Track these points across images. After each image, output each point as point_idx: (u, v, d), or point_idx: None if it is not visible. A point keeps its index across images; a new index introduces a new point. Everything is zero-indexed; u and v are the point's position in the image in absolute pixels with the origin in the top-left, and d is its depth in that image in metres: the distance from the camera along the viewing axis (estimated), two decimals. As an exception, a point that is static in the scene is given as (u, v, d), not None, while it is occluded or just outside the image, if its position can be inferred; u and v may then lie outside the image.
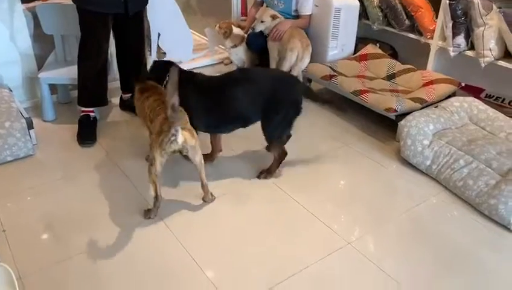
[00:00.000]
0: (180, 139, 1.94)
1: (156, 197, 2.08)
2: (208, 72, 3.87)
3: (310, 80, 3.45)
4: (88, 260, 1.90)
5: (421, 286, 1.85)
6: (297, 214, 2.23)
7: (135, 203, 2.23)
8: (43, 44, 3.17)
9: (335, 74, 3.23)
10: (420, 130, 2.55)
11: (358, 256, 1.98)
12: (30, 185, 2.35)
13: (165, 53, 3.82)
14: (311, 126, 3.04)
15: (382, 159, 2.71)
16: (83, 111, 2.79)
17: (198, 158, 2.10)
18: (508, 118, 2.68)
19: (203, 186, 2.21)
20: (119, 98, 3.14)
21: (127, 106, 3.07)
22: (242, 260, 1.94)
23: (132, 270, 1.86)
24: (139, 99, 2.27)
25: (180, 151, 2.02)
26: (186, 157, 2.12)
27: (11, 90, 2.83)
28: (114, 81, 3.16)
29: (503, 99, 3.17)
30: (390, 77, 3.28)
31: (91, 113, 2.80)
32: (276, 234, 2.10)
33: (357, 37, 3.65)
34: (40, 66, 3.05)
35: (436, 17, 3.22)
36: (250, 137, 2.68)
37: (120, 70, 3.00)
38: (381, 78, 3.30)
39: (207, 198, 2.24)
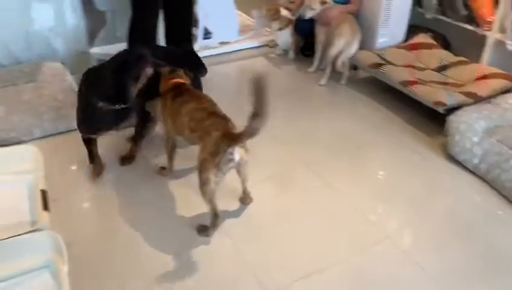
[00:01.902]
0: (237, 157, 1.84)
1: (216, 216, 1.94)
2: (251, 54, 3.92)
3: (356, 67, 3.38)
4: (134, 237, 1.97)
5: (459, 285, 1.81)
6: (337, 205, 2.22)
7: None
8: (94, 19, 3.25)
9: (383, 62, 3.15)
10: (470, 126, 2.46)
11: (396, 251, 1.96)
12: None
13: (210, 33, 3.85)
14: (354, 115, 2.99)
15: (427, 153, 2.63)
16: (131, 88, 2.85)
17: (247, 170, 2.02)
18: None
19: (246, 191, 2.14)
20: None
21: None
22: (279, 246, 1.96)
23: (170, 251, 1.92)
24: (172, 101, 2.09)
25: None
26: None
27: (63, 64, 2.93)
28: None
29: (562, 98, 3.00)
30: (441, 69, 3.16)
31: (138, 90, 2.85)
32: (315, 224, 2.09)
33: (408, 25, 3.53)
34: (91, 41, 3.13)
35: (496, 8, 3.05)
36: (291, 123, 2.68)
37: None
38: (431, 70, 3.18)
39: (246, 201, 2.17)
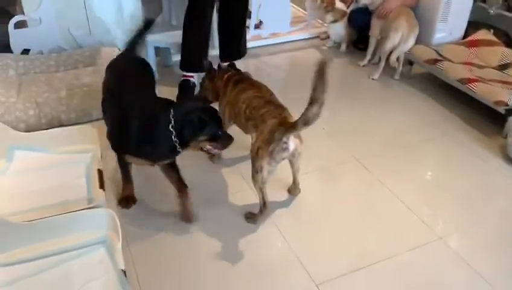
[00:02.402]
0: (292, 147, 1.83)
1: (264, 205, 1.94)
2: (302, 46, 3.88)
3: (411, 63, 3.28)
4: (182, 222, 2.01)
5: (516, 293, 1.74)
6: (387, 201, 2.17)
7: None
8: (151, 7, 3.33)
9: (440, 58, 3.04)
10: (533, 128, 2.34)
11: (448, 252, 1.89)
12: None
13: (261, 22, 3.85)
14: (408, 110, 2.91)
15: (483, 153, 2.52)
16: (184, 76, 2.91)
17: (300, 161, 1.99)
18: None
19: (296, 182, 2.13)
20: (217, 66, 3.21)
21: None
22: (327, 238, 1.95)
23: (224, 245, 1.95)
24: (233, 87, 2.11)
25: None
26: None
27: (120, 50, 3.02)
28: (212, 49, 3.24)
29: None
30: (503, 67, 3.01)
31: (191, 79, 2.91)
32: (364, 219, 2.06)
33: (468, 21, 3.38)
34: (147, 28, 3.21)
35: None
36: (341, 116, 2.63)
37: (220, 39, 3.07)
38: (492, 68, 3.03)
39: (295, 192, 2.16)
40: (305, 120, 1.67)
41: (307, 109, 1.65)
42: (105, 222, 1.75)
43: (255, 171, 1.85)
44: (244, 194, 2.13)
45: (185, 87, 2.88)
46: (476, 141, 2.62)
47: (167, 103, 1.86)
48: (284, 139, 1.79)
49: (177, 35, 2.92)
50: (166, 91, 2.96)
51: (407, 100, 3.04)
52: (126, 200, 2.04)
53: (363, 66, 3.43)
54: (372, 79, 3.26)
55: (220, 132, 1.82)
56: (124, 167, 1.98)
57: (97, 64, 2.75)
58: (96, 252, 1.71)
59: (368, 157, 2.44)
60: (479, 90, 2.69)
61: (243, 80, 2.14)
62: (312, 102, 1.63)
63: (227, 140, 1.85)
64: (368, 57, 3.45)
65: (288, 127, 1.77)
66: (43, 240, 1.67)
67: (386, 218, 2.08)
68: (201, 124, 1.76)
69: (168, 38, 3.08)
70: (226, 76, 2.21)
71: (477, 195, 2.24)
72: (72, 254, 1.69)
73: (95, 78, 2.63)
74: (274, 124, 1.80)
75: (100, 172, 2.07)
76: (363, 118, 2.82)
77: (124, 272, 1.59)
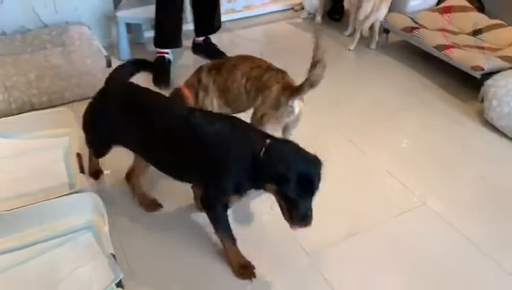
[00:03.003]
0: (297, 110, 1.82)
1: None
2: (276, 18, 3.82)
3: (387, 31, 3.28)
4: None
5: (499, 247, 1.80)
6: (370, 170, 2.19)
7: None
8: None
9: (417, 25, 3.04)
10: (509, 91, 2.38)
11: (432, 216, 1.94)
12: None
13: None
14: (386, 80, 2.92)
15: (461, 119, 2.57)
16: (159, 52, 2.82)
17: (298, 124, 1.94)
18: None
19: None
20: (191, 41, 3.14)
21: (199, 48, 3.07)
22: (315, 208, 1.95)
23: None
24: (217, 73, 2.00)
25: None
26: None
27: (89, 29, 2.89)
28: (186, 24, 3.15)
29: None
30: (476, 33, 3.04)
31: (166, 55, 2.82)
32: (349, 187, 2.08)
33: (441, -13, 3.40)
34: (116, 5, 3.08)
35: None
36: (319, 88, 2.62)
37: (194, 14, 2.98)
38: (466, 34, 3.06)
39: None
40: (311, 82, 1.69)
41: (310, 72, 1.67)
42: (90, 206, 1.70)
43: None
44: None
45: (161, 63, 2.79)
46: (454, 107, 2.66)
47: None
48: (290, 103, 1.78)
49: (149, 11, 2.81)
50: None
51: (384, 70, 3.05)
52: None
53: (348, 36, 3.39)
54: (349, 50, 3.24)
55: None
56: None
57: (66, 45, 2.62)
58: (83, 237, 1.66)
59: (349, 127, 2.45)
60: (456, 57, 2.72)
61: (221, 63, 2.04)
62: (315, 64, 1.65)
63: (304, 219, 1.45)
64: (351, 26, 3.39)
65: (294, 91, 1.77)
66: (27, 229, 1.62)
67: (371, 186, 2.10)
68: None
69: (140, 13, 2.95)
70: (199, 75, 2.06)
71: (457, 159, 2.29)
72: (58, 241, 1.64)
73: (64, 59, 2.52)
74: (279, 90, 1.80)
75: (79, 156, 2.00)
76: (341, 89, 2.81)
77: (114, 256, 1.55)
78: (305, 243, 1.78)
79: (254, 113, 1.88)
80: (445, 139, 2.42)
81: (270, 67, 1.94)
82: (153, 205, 1.93)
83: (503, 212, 1.98)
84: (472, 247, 1.80)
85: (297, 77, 1.82)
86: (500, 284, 1.68)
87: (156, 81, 2.72)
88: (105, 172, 2.06)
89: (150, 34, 3.02)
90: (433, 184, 2.13)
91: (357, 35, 3.22)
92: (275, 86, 1.81)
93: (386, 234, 1.85)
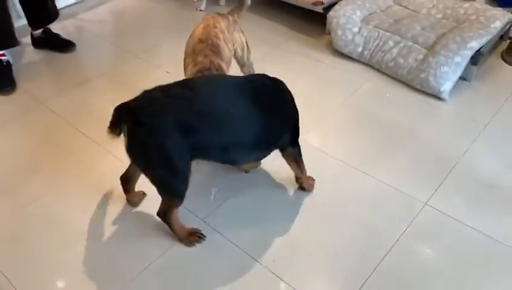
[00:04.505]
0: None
1: None
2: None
3: (231, -14, 3.30)
4: (41, 206, 1.84)
5: (367, 166, 1.96)
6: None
7: (74, 140, 2.14)
8: None
9: (256, -26, 3.10)
10: (348, 19, 2.57)
11: (311, 150, 2.02)
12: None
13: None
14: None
15: (315, 54, 2.73)
16: (-6, 56, 2.53)
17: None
18: (427, -7, 2.75)
19: None
20: (29, 36, 2.86)
21: (40, 42, 2.82)
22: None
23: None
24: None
25: None
26: None
27: None
28: (18, 19, 2.85)
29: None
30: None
31: (3, 58, 2.54)
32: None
33: None
34: None
35: None
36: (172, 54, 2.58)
37: (23, 5, 2.70)
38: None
39: None
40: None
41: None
42: None
43: None
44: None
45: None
46: (306, 45, 2.81)
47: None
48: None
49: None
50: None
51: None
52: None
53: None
54: (200, 10, 3.22)
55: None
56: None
57: None
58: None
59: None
60: (297, -4, 2.85)
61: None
62: None
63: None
64: None
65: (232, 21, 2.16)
66: None
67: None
68: None
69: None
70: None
71: (319, 92, 2.43)
72: None
73: None
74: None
75: None
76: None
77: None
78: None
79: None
80: (304, 76, 2.55)
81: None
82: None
83: (364, 132, 2.16)
84: (344, 166, 1.95)
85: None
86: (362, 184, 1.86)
87: (-3, 86, 2.46)
88: None
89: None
90: (304, 122, 2.24)
91: (204, -5, 3.20)
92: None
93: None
